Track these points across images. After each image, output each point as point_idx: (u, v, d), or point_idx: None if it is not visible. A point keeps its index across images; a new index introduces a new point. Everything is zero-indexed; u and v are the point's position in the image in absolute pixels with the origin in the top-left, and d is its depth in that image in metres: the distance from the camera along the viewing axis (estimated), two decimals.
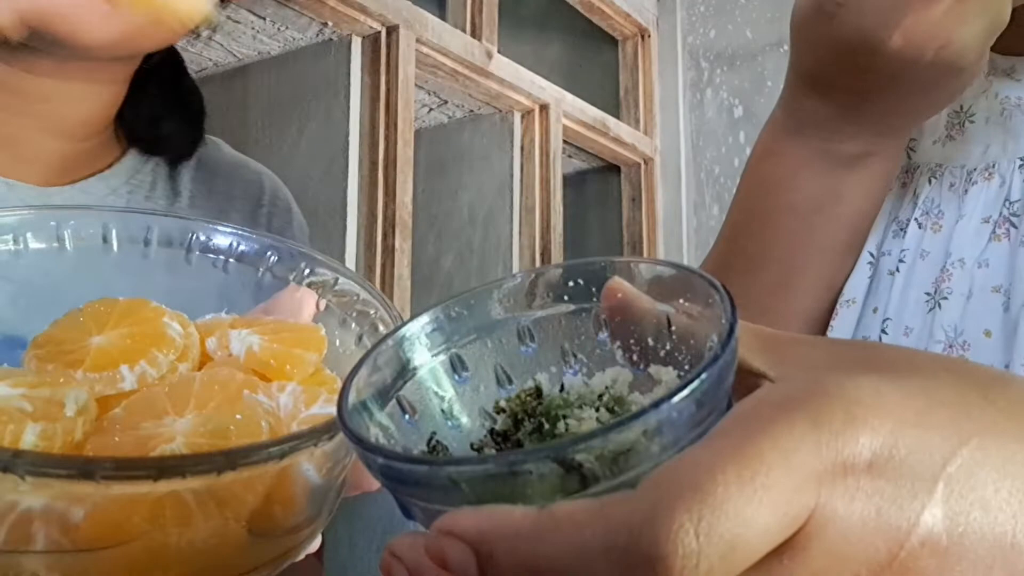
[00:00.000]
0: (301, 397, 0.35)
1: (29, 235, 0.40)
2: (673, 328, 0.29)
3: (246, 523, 0.30)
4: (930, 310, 0.61)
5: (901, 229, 0.66)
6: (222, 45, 1.71)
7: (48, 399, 0.32)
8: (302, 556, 0.37)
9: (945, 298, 0.61)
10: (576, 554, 0.22)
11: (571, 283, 0.31)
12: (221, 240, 0.43)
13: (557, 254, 2.08)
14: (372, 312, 0.40)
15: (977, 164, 0.64)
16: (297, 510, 0.33)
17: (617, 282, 0.30)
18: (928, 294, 0.62)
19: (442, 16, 1.91)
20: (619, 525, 0.21)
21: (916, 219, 0.65)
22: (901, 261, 0.64)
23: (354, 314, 0.41)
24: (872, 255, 0.67)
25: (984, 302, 0.59)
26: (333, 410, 0.32)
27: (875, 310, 0.64)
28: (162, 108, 0.68)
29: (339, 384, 0.37)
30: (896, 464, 0.22)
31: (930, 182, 0.66)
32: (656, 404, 0.23)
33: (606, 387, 0.30)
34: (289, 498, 0.32)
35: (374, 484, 0.36)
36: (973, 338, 0.58)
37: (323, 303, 0.41)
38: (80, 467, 0.27)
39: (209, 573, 0.31)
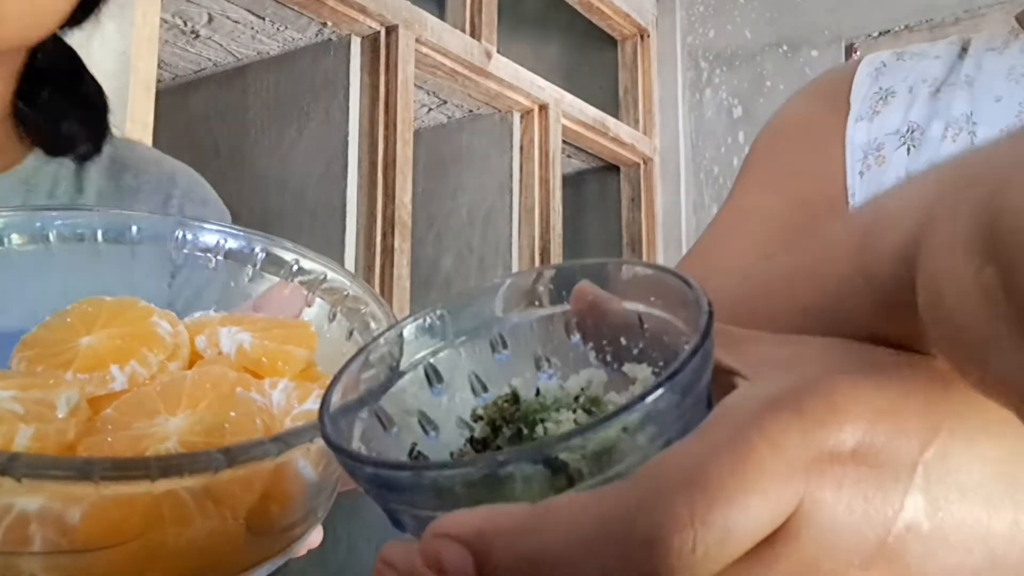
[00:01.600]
0: (294, 393, 0.35)
1: (14, 236, 0.40)
2: (646, 327, 0.30)
3: (243, 521, 0.30)
4: None
5: None
6: (221, 45, 1.71)
7: (39, 401, 0.32)
8: (303, 551, 0.37)
9: None
10: (574, 544, 0.21)
11: (542, 288, 0.32)
12: (209, 238, 0.42)
13: (556, 254, 2.08)
14: (362, 308, 0.40)
15: None
16: (294, 506, 0.33)
17: (586, 285, 0.31)
18: None
19: (441, 16, 1.92)
20: (616, 512, 0.22)
21: None
22: None
23: (344, 310, 0.41)
24: None
25: None
26: None
27: None
28: (61, 107, 0.66)
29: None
30: (877, 451, 0.23)
31: None
32: (643, 396, 0.23)
33: (581, 389, 0.30)
34: (286, 495, 0.32)
35: None
36: None
37: (313, 299, 0.41)
38: (78, 468, 0.27)
39: (207, 572, 0.31)
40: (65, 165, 0.67)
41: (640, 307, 0.30)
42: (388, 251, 1.68)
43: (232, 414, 0.32)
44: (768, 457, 0.22)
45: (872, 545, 0.23)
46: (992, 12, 2.07)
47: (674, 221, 2.47)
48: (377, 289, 1.54)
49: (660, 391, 0.23)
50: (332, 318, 0.41)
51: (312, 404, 0.35)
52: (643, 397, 0.23)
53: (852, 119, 0.70)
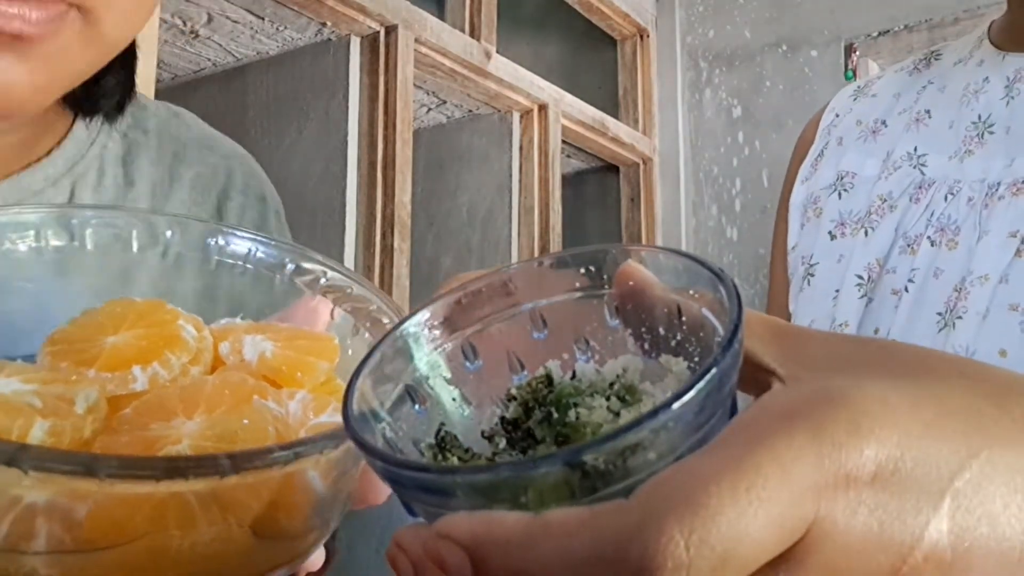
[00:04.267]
0: (311, 405, 0.35)
1: (50, 233, 0.40)
2: (684, 318, 0.29)
3: (249, 528, 0.30)
4: (941, 330, 0.59)
5: (909, 246, 0.64)
6: (221, 45, 1.71)
7: (59, 396, 0.32)
8: (302, 574, 0.36)
9: (959, 317, 0.58)
10: (566, 562, 0.21)
11: (582, 269, 0.31)
12: (240, 246, 0.43)
13: None
14: (385, 321, 0.40)
15: (1001, 178, 0.61)
16: (301, 518, 0.32)
17: (631, 267, 0.30)
18: (940, 314, 0.60)
19: (441, 16, 1.91)
20: (610, 534, 0.21)
21: (929, 236, 0.63)
22: (911, 280, 0.62)
23: (367, 324, 0.41)
24: (860, 277, 0.65)
25: (1001, 320, 0.57)
26: (341, 419, 0.32)
27: (876, 331, 0.62)
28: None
29: None
30: (901, 477, 0.22)
31: (946, 199, 0.63)
32: (653, 413, 0.22)
33: (617, 375, 0.29)
34: (294, 505, 0.31)
35: (380, 498, 0.36)
36: (986, 358, 0.56)
37: (337, 312, 0.41)
38: (85, 463, 0.27)
39: (209, 575, 0.31)
40: (107, 149, 0.60)
41: (679, 298, 0.29)
42: (388, 251, 1.68)
43: (245, 421, 0.32)
44: (774, 480, 0.21)
45: (885, 573, 0.22)
46: (991, 12, 2.07)
47: (674, 221, 2.47)
48: (392, 299, 1.54)
49: (674, 407, 0.23)
50: (355, 332, 0.41)
51: (328, 417, 0.35)
52: (654, 414, 0.23)
53: (797, 183, 0.75)
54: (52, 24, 0.41)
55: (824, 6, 2.33)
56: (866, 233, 0.67)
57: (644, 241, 2.44)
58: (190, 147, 0.65)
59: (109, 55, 0.47)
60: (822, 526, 0.21)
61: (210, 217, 0.63)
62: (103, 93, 0.57)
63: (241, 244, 0.43)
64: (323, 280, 0.42)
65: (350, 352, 0.40)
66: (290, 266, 0.42)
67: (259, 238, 0.43)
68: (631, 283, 0.30)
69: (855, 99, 0.77)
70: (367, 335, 0.41)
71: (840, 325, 0.64)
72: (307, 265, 0.42)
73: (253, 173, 0.68)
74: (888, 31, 2.23)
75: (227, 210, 0.65)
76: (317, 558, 0.36)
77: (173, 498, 0.28)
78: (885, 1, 2.23)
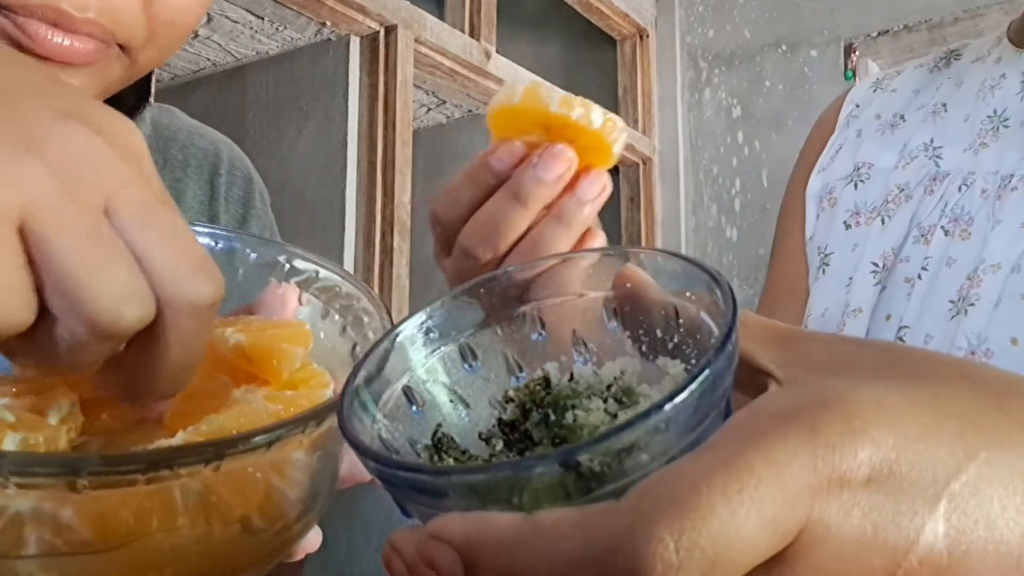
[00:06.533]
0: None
1: None
2: (681, 321, 0.29)
3: (239, 520, 0.30)
4: (953, 318, 0.59)
5: (923, 235, 0.64)
6: (220, 45, 1.71)
7: (31, 407, 0.31)
8: (301, 555, 0.36)
9: (972, 305, 0.59)
10: (557, 563, 0.21)
11: (589, 270, 0.31)
12: (200, 240, 0.42)
13: None
14: (355, 303, 0.40)
15: (1015, 170, 0.62)
16: (290, 504, 0.33)
17: (628, 269, 0.30)
18: (952, 302, 0.60)
19: (440, 16, 1.92)
20: (600, 536, 0.21)
21: (943, 226, 0.63)
22: (924, 269, 0.62)
23: (337, 306, 0.40)
24: (875, 264, 0.65)
25: (1013, 309, 0.57)
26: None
27: (888, 318, 0.62)
28: None
29: (327, 378, 0.37)
30: (897, 479, 0.22)
31: (960, 190, 0.64)
32: (646, 414, 0.23)
33: (615, 377, 0.29)
34: (281, 492, 0.32)
35: (367, 475, 0.36)
36: (998, 346, 0.56)
37: (306, 297, 0.41)
38: (68, 464, 0.27)
39: (203, 571, 0.31)
40: None
41: (676, 300, 0.29)
42: (387, 251, 1.68)
43: (235, 416, 0.32)
44: (766, 482, 0.21)
45: None
46: (991, 12, 2.07)
47: (673, 221, 2.47)
48: (376, 289, 1.54)
49: (665, 409, 0.23)
50: (325, 315, 0.41)
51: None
52: (645, 416, 0.23)
53: (814, 172, 0.76)
54: (98, 56, 0.47)
55: (824, 6, 2.33)
56: (883, 221, 0.67)
57: (644, 241, 2.44)
58: (180, 132, 0.71)
59: (140, 75, 0.55)
60: (815, 528, 0.21)
61: (203, 192, 0.70)
62: (120, 97, 0.65)
63: (200, 239, 0.42)
64: (288, 268, 0.42)
65: (322, 335, 0.40)
66: (253, 255, 0.42)
67: (217, 231, 0.43)
68: (629, 285, 0.30)
69: (874, 91, 0.77)
70: (337, 317, 0.41)
71: (854, 311, 0.64)
72: (270, 253, 0.42)
73: (240, 156, 0.75)
74: (888, 31, 2.23)
75: (218, 185, 0.71)
76: (315, 539, 0.36)
77: (160, 494, 0.28)
78: (885, 1, 2.23)
